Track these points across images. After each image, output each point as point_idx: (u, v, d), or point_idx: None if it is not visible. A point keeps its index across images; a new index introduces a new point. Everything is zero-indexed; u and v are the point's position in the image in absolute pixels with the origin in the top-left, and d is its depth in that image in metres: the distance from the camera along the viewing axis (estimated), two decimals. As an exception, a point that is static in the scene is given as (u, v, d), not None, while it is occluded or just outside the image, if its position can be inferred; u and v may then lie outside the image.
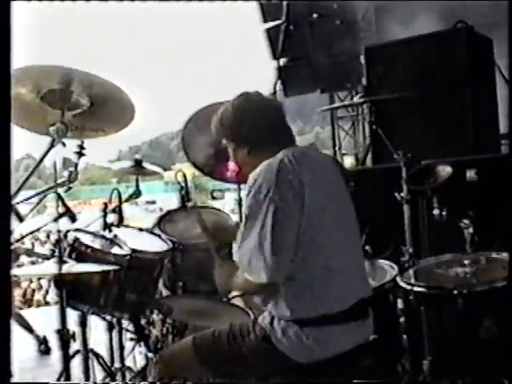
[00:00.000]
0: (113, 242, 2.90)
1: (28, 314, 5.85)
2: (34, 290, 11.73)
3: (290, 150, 2.13)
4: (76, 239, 2.77)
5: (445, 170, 3.22)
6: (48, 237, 12.97)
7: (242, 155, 2.25)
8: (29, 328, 5.30)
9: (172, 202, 3.66)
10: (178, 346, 2.37)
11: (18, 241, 3.10)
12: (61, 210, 2.39)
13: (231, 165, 2.38)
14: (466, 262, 2.80)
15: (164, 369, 2.29)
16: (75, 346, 2.60)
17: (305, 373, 2.08)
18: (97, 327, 2.99)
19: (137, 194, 3.28)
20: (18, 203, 2.25)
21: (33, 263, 6.46)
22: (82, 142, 2.34)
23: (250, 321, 2.21)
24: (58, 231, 2.50)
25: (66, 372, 2.38)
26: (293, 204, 2.02)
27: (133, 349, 3.11)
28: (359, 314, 2.12)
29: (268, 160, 2.09)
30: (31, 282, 11.56)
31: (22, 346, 4.88)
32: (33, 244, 12.60)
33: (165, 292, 3.28)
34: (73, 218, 2.45)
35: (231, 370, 2.18)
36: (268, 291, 2.09)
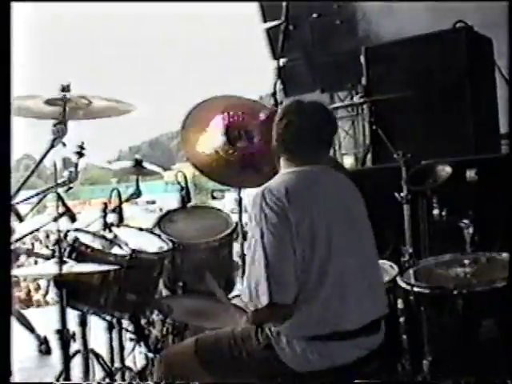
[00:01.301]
0: (113, 242, 2.90)
1: (28, 313, 5.83)
2: (31, 290, 11.72)
3: (296, 173, 2.16)
4: (76, 239, 2.77)
5: (445, 170, 3.21)
6: (48, 237, 12.97)
7: (277, 154, 2.26)
8: (30, 327, 5.30)
9: (172, 202, 3.66)
10: (180, 347, 2.38)
11: (17, 241, 3.10)
12: (61, 210, 2.39)
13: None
14: (466, 261, 2.80)
15: (165, 370, 2.28)
16: (75, 346, 2.60)
17: (303, 380, 2.08)
18: (97, 327, 2.99)
19: (137, 193, 3.28)
20: (17, 203, 2.25)
21: (33, 263, 6.46)
22: (82, 143, 2.35)
23: (253, 328, 2.17)
24: (58, 231, 2.50)
25: (65, 372, 2.37)
26: (285, 231, 2.02)
27: (133, 349, 3.11)
28: (370, 330, 2.11)
29: (271, 182, 2.12)
30: (34, 280, 11.55)
31: (22, 345, 4.87)
32: (33, 244, 12.60)
33: (165, 292, 3.28)
34: (73, 218, 2.45)
35: (231, 373, 2.18)
36: (280, 314, 2.06)
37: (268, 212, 2.03)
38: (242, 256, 3.45)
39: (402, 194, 3.21)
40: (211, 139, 3.25)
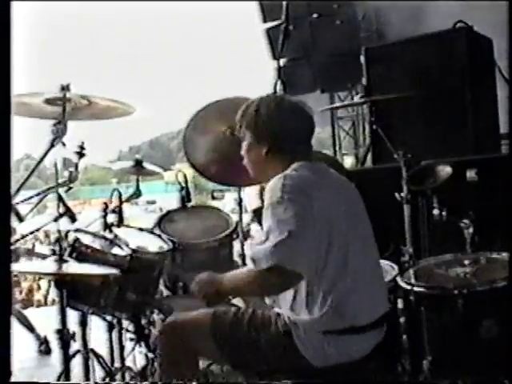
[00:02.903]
0: (113, 242, 2.90)
1: (28, 313, 5.83)
2: (32, 290, 11.71)
3: (307, 166, 2.13)
4: (76, 239, 2.77)
5: (445, 170, 3.22)
6: (48, 237, 12.96)
7: (257, 153, 2.19)
8: (30, 327, 5.30)
9: (172, 202, 3.66)
10: (193, 317, 2.24)
11: (18, 241, 3.10)
12: (61, 210, 2.39)
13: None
14: (466, 262, 2.79)
15: (174, 337, 2.18)
16: (75, 346, 2.60)
17: (314, 374, 2.07)
18: (97, 327, 2.99)
19: (137, 194, 3.28)
20: (17, 203, 2.25)
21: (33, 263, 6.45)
22: (82, 143, 2.35)
23: (273, 313, 2.14)
24: (58, 231, 2.50)
25: (65, 372, 2.37)
26: (310, 215, 1.98)
27: (133, 349, 3.11)
28: (379, 324, 2.13)
29: (287, 172, 2.07)
30: (35, 279, 11.55)
31: (22, 345, 4.87)
32: (33, 244, 12.58)
33: (165, 292, 3.28)
34: (73, 218, 2.45)
35: (244, 356, 2.12)
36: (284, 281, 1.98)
37: (292, 194, 1.98)
38: (242, 256, 3.45)
39: (402, 194, 3.21)
40: (213, 141, 3.25)
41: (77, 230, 2.85)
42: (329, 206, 2.04)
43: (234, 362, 2.19)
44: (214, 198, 5.21)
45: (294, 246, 1.92)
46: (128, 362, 3.15)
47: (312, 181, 2.08)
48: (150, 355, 2.76)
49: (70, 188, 2.37)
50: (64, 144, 2.25)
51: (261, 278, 1.98)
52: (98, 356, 2.94)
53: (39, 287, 11.81)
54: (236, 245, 3.52)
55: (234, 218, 3.55)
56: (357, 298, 2.05)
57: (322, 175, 2.17)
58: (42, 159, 2.23)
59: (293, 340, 2.05)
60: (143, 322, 2.90)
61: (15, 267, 2.58)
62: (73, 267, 2.45)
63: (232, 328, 2.13)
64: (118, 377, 3.03)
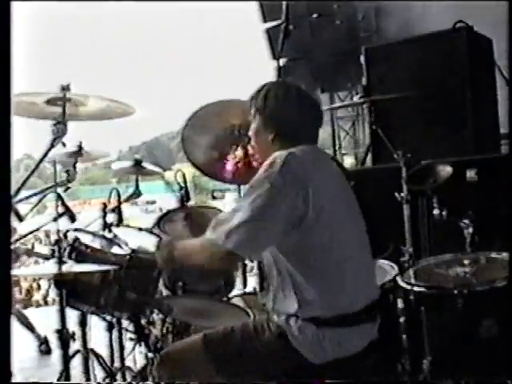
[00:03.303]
0: (113, 241, 2.90)
1: (28, 313, 5.84)
2: (32, 290, 11.72)
3: (307, 149, 2.13)
4: (76, 239, 2.77)
5: (445, 170, 3.22)
6: (48, 237, 12.96)
7: (264, 138, 2.20)
8: (30, 327, 5.30)
9: (172, 202, 3.66)
10: (185, 343, 2.29)
11: (17, 241, 3.10)
12: (61, 209, 2.40)
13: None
14: (466, 262, 2.80)
15: (170, 367, 2.20)
16: (75, 346, 2.60)
17: (314, 372, 2.06)
18: (97, 327, 2.99)
19: (137, 193, 3.28)
20: (17, 203, 2.25)
21: (33, 263, 6.46)
22: (81, 142, 2.35)
23: (264, 319, 2.15)
24: (58, 231, 2.50)
25: (65, 372, 2.37)
26: (293, 194, 1.98)
27: (133, 349, 3.11)
28: (370, 316, 2.12)
29: (283, 153, 2.05)
30: (34, 279, 11.55)
31: (22, 345, 4.88)
32: (33, 244, 12.58)
33: (165, 292, 3.28)
34: (72, 218, 2.45)
35: (243, 368, 2.12)
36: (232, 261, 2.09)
37: (285, 174, 1.99)
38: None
39: (402, 194, 3.21)
40: (213, 139, 3.25)
41: (76, 230, 2.85)
42: (323, 189, 2.04)
43: (234, 377, 2.16)
44: (214, 197, 5.21)
45: (251, 233, 1.96)
46: (128, 362, 3.15)
47: (308, 163, 2.07)
48: (150, 355, 2.76)
49: (69, 188, 2.37)
50: (64, 144, 2.25)
51: (211, 251, 2.04)
52: (97, 356, 2.94)
53: (39, 287, 11.82)
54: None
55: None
56: (345, 283, 2.05)
57: (318, 157, 2.17)
58: (42, 159, 2.23)
59: (288, 340, 2.04)
60: (143, 321, 2.90)
61: (15, 271, 2.59)
62: (73, 267, 2.45)
63: (225, 343, 2.13)
64: (118, 377, 3.03)
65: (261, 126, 2.21)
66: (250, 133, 2.28)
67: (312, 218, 2.00)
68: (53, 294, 9.80)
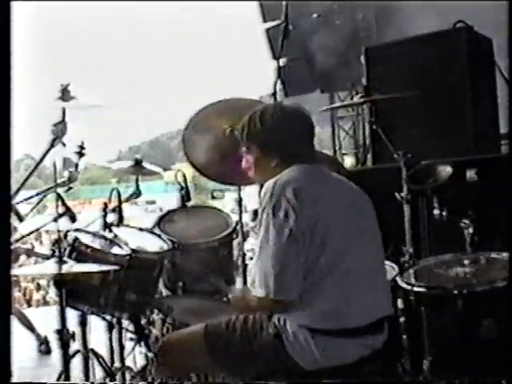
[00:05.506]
0: (113, 241, 2.90)
1: (28, 313, 5.83)
2: (31, 290, 11.71)
3: (308, 169, 2.15)
4: (76, 239, 2.77)
5: (445, 170, 3.21)
6: (48, 237, 12.96)
7: (266, 165, 2.20)
8: (30, 327, 5.30)
9: (172, 202, 3.66)
10: (186, 332, 2.32)
11: (18, 241, 3.10)
12: (61, 209, 2.40)
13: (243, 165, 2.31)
14: (466, 262, 2.79)
15: (169, 353, 2.24)
16: (75, 345, 2.60)
17: (306, 377, 2.07)
18: (97, 327, 2.99)
19: (137, 193, 3.29)
20: (17, 203, 2.25)
21: (33, 263, 6.46)
22: (82, 143, 2.35)
23: (265, 317, 2.16)
24: (58, 231, 2.50)
25: (65, 372, 2.37)
26: (306, 229, 2.00)
27: (133, 349, 3.11)
28: (375, 329, 2.11)
29: (284, 175, 2.08)
30: (33, 280, 11.55)
31: (22, 345, 4.88)
32: (33, 244, 12.59)
33: (165, 292, 3.28)
34: (73, 218, 2.45)
35: (238, 364, 2.15)
36: (279, 308, 2.08)
37: (281, 205, 2.00)
38: (242, 256, 3.45)
39: (402, 194, 3.20)
40: (213, 140, 3.25)
41: (77, 230, 2.85)
42: (323, 209, 2.05)
43: (230, 371, 2.21)
44: (213, 197, 5.21)
45: (281, 278, 1.99)
46: (128, 362, 3.15)
47: (308, 184, 2.08)
48: (150, 355, 2.76)
49: (70, 188, 2.37)
50: (64, 144, 2.25)
51: (260, 305, 2.09)
52: (97, 356, 2.94)
53: (39, 287, 11.81)
54: (236, 245, 3.51)
55: (234, 218, 3.55)
56: (343, 301, 2.05)
57: (319, 178, 2.18)
58: (42, 159, 2.23)
59: (283, 342, 2.06)
60: (143, 321, 2.90)
61: (15, 271, 2.58)
62: (73, 267, 2.45)
63: (226, 336, 2.16)
64: (118, 377, 3.03)
65: (260, 155, 2.22)
66: (246, 164, 2.28)
67: (317, 242, 2.02)
68: (53, 293, 9.80)
